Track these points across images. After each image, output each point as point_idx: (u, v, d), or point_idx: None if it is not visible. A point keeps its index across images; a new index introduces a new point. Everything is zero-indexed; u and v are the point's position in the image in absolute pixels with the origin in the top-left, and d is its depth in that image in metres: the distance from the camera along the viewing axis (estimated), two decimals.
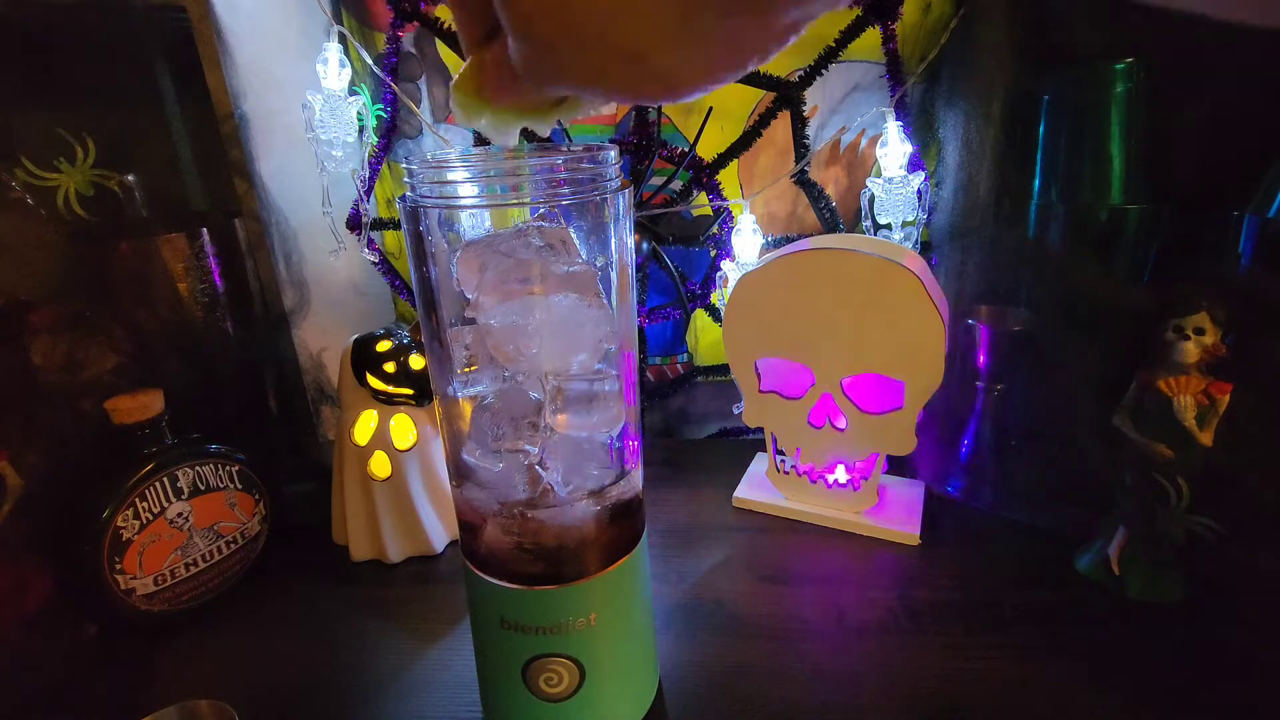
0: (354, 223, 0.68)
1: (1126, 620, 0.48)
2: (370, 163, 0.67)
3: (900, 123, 0.62)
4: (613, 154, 0.33)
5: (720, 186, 0.69)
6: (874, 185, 0.63)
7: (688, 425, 0.81)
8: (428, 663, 0.47)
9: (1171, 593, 0.49)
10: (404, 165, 0.33)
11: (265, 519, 0.58)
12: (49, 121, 0.56)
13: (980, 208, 0.63)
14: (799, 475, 0.61)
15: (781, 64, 0.67)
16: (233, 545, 0.55)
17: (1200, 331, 0.46)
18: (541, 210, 0.33)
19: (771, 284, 0.56)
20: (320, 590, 0.56)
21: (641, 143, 0.66)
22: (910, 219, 0.63)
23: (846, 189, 0.71)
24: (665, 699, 0.43)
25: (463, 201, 0.32)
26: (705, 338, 0.78)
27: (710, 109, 0.67)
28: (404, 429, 0.57)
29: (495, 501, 0.35)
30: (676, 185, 0.69)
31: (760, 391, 0.60)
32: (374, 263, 0.69)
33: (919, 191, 0.62)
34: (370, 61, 0.65)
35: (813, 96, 0.67)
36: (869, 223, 0.65)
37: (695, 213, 0.73)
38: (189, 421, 0.54)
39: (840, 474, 0.60)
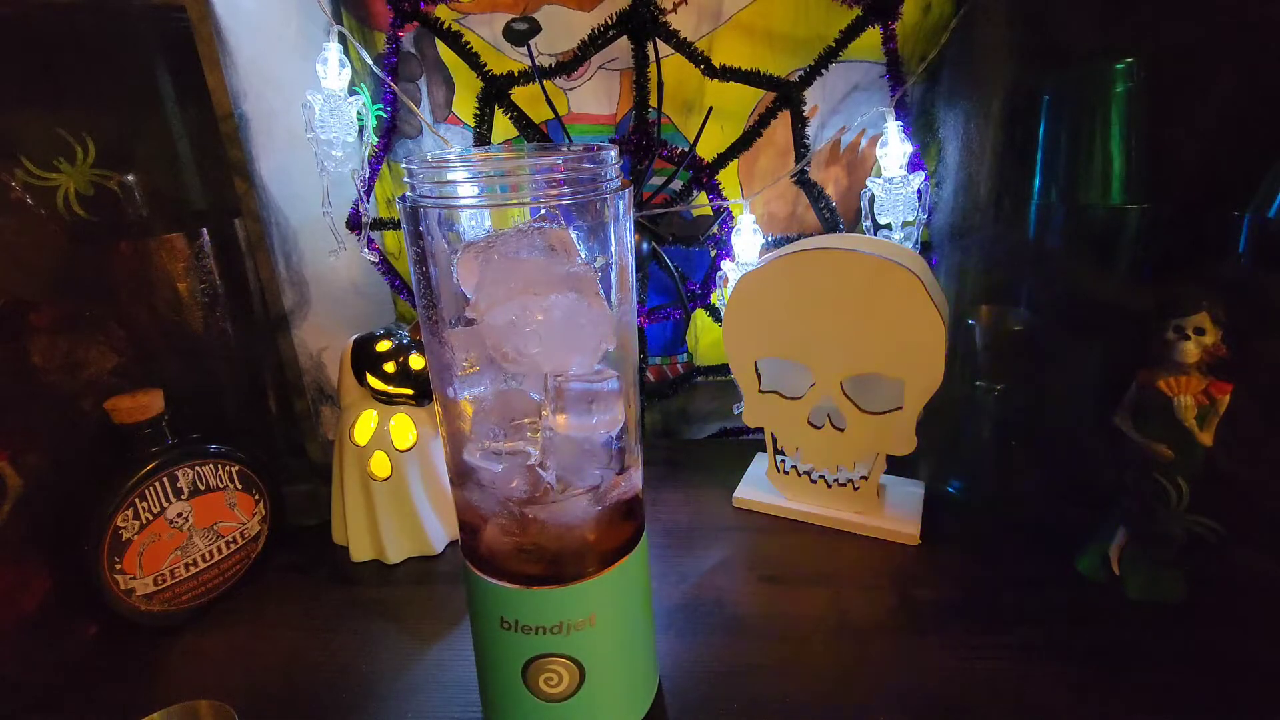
0: (354, 223, 0.68)
1: (1126, 620, 0.48)
2: (370, 163, 0.67)
3: (900, 123, 0.62)
4: (613, 154, 0.33)
5: (720, 186, 0.68)
6: (874, 185, 0.63)
7: (688, 425, 0.81)
8: (428, 663, 0.47)
9: (1171, 593, 0.49)
10: (404, 165, 0.33)
11: (265, 519, 0.58)
12: (49, 121, 0.56)
13: (980, 208, 0.63)
14: (799, 475, 0.61)
15: (781, 64, 0.67)
16: (233, 545, 0.55)
17: (1200, 331, 0.46)
18: (542, 210, 0.33)
19: (771, 284, 0.56)
20: (320, 590, 0.56)
21: (641, 143, 0.66)
22: (910, 219, 0.63)
23: (846, 189, 0.71)
24: (665, 699, 0.43)
25: (463, 201, 0.32)
26: (705, 338, 0.78)
27: (710, 109, 0.67)
28: (404, 429, 0.57)
29: (495, 502, 0.35)
30: (676, 185, 0.69)
31: (760, 391, 0.60)
32: (374, 263, 0.69)
33: (919, 191, 0.62)
34: (370, 61, 0.65)
35: (813, 96, 0.67)
36: (869, 223, 0.65)
37: (695, 213, 0.73)
38: (189, 421, 0.54)
39: (840, 474, 0.60)
